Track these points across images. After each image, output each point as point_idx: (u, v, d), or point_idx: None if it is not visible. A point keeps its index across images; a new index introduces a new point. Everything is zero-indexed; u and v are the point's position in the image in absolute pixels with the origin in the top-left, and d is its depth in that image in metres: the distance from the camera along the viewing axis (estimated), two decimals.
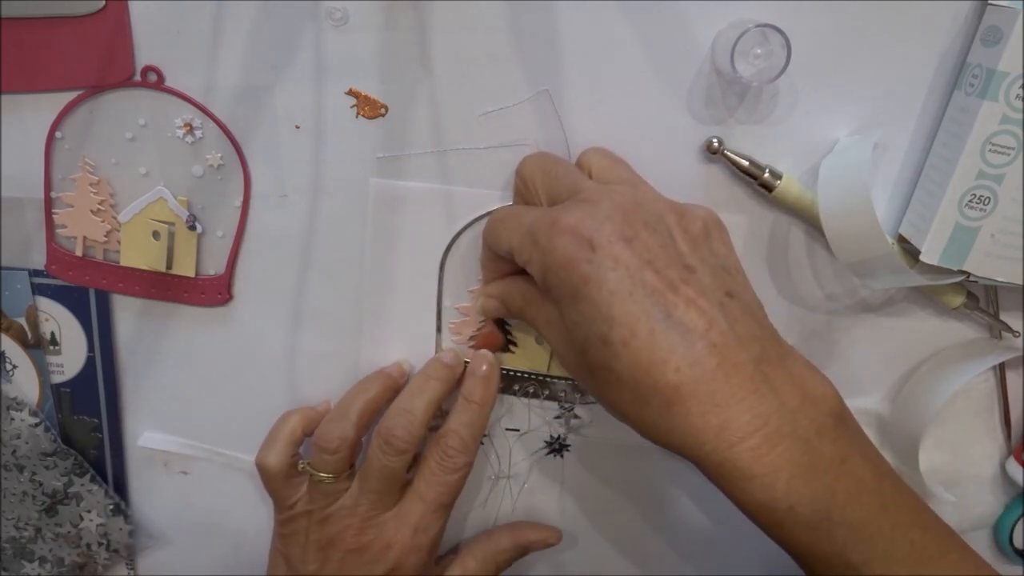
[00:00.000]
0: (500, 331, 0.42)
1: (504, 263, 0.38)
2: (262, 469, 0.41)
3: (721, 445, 0.29)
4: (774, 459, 0.29)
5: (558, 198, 0.35)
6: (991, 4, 0.34)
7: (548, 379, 0.43)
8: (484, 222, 0.40)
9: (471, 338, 0.43)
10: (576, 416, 0.45)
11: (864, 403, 0.44)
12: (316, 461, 0.40)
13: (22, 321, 0.44)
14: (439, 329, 0.43)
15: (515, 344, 0.43)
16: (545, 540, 0.46)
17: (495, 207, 0.40)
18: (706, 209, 0.34)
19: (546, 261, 0.32)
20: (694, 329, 0.30)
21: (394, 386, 0.42)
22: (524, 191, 0.37)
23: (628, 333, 0.30)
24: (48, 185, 0.41)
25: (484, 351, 0.42)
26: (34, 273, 0.43)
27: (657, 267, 0.31)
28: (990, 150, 0.34)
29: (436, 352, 0.43)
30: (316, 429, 0.41)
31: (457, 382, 0.42)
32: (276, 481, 0.41)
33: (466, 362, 0.42)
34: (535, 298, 0.36)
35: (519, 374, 0.43)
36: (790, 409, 0.30)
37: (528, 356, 0.43)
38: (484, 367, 0.41)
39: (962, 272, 0.37)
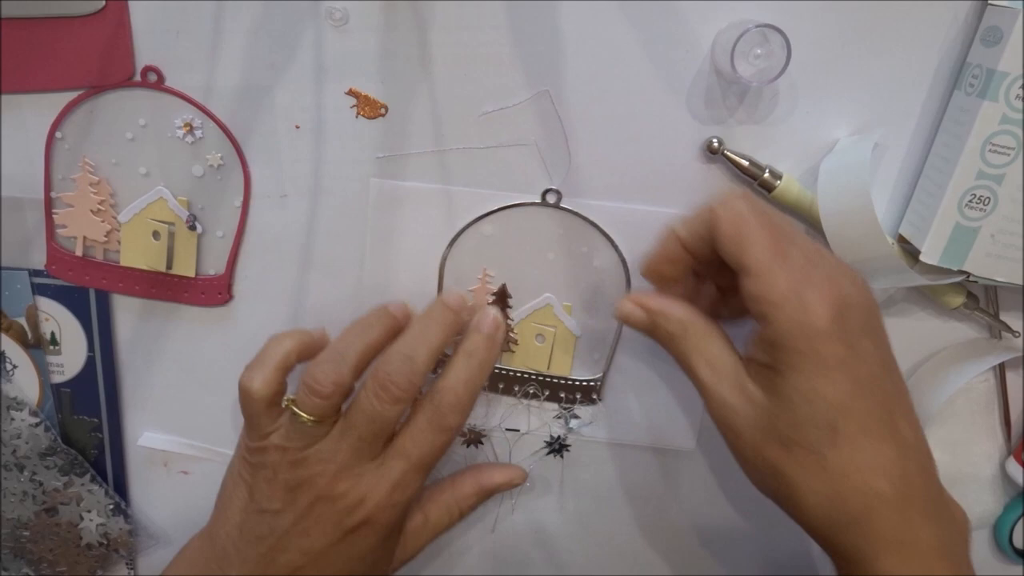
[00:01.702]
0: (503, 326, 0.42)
1: (686, 251, 0.35)
2: (245, 392, 0.37)
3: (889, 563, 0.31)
4: None
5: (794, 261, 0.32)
6: (991, 4, 0.34)
7: (548, 379, 0.43)
8: (484, 222, 0.40)
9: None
10: (576, 416, 0.45)
11: None
12: (304, 401, 0.36)
13: (22, 321, 0.44)
14: None
15: (515, 343, 0.43)
16: (511, 481, 0.45)
17: (494, 207, 0.40)
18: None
19: (805, 321, 0.30)
20: (909, 447, 0.32)
21: (396, 328, 0.39)
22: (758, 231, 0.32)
23: (857, 429, 0.31)
24: (48, 185, 0.41)
25: (491, 307, 0.39)
26: (34, 273, 0.43)
27: (884, 374, 0.32)
28: (990, 150, 0.34)
29: None
30: (310, 365, 0.37)
31: (461, 329, 0.39)
32: (257, 406, 0.37)
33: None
34: (704, 334, 0.34)
35: (519, 374, 0.43)
36: (947, 536, 0.32)
37: (528, 356, 0.43)
38: (488, 323, 0.38)
39: (962, 272, 0.37)
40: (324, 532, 0.38)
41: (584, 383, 0.44)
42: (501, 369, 0.43)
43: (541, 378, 0.43)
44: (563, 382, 0.44)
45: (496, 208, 0.40)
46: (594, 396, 0.44)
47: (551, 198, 0.40)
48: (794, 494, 0.32)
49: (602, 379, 0.43)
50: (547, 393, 0.44)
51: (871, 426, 0.31)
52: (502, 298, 0.42)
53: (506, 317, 0.41)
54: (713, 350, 0.34)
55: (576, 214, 0.40)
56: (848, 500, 0.31)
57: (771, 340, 0.31)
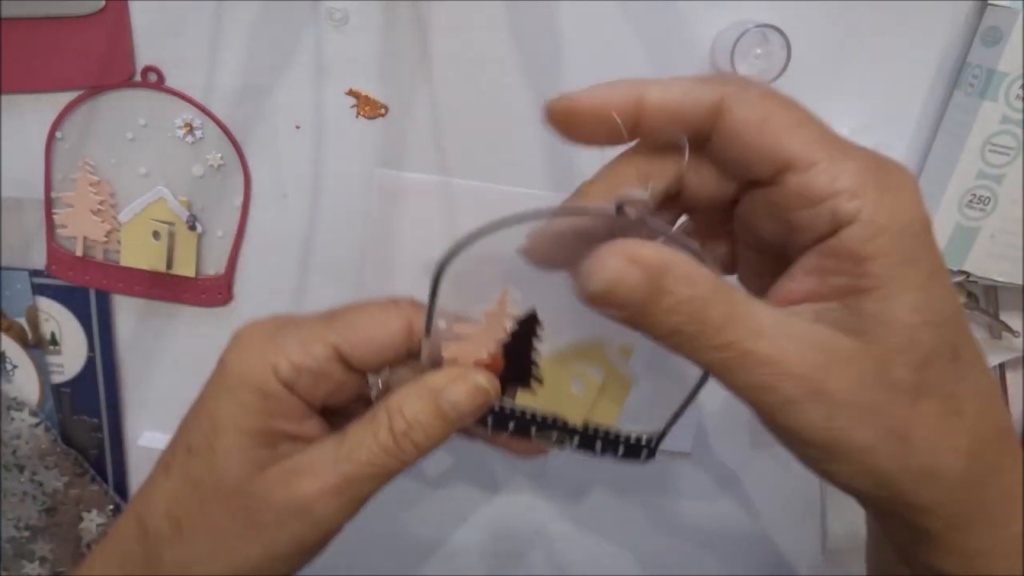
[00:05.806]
0: (520, 364, 0.30)
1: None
2: None
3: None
4: None
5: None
6: (991, 4, 0.34)
7: (580, 432, 0.31)
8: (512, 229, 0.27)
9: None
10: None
11: None
12: None
13: (22, 321, 0.44)
14: (428, 332, 0.29)
15: (539, 381, 0.30)
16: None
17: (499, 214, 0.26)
18: None
19: (898, 209, 0.22)
20: None
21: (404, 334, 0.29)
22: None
23: (973, 354, 0.24)
24: (48, 185, 0.41)
25: (479, 372, 0.29)
26: (34, 273, 0.43)
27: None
28: (990, 150, 0.34)
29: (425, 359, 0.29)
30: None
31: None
32: None
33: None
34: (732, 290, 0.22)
35: (537, 418, 0.30)
36: None
37: (559, 402, 0.31)
38: (470, 383, 0.28)
39: (962, 272, 0.37)
40: None
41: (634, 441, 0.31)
42: (514, 411, 0.30)
43: (569, 428, 0.31)
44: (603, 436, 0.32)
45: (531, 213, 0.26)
46: (644, 453, 0.32)
47: (631, 212, 0.25)
48: (922, 461, 0.22)
49: (660, 435, 0.31)
50: (577, 442, 0.31)
51: (977, 350, 0.23)
52: (528, 329, 0.29)
53: (530, 349, 0.29)
54: (753, 309, 0.22)
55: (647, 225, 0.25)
56: (986, 448, 0.23)
57: (850, 249, 0.22)
